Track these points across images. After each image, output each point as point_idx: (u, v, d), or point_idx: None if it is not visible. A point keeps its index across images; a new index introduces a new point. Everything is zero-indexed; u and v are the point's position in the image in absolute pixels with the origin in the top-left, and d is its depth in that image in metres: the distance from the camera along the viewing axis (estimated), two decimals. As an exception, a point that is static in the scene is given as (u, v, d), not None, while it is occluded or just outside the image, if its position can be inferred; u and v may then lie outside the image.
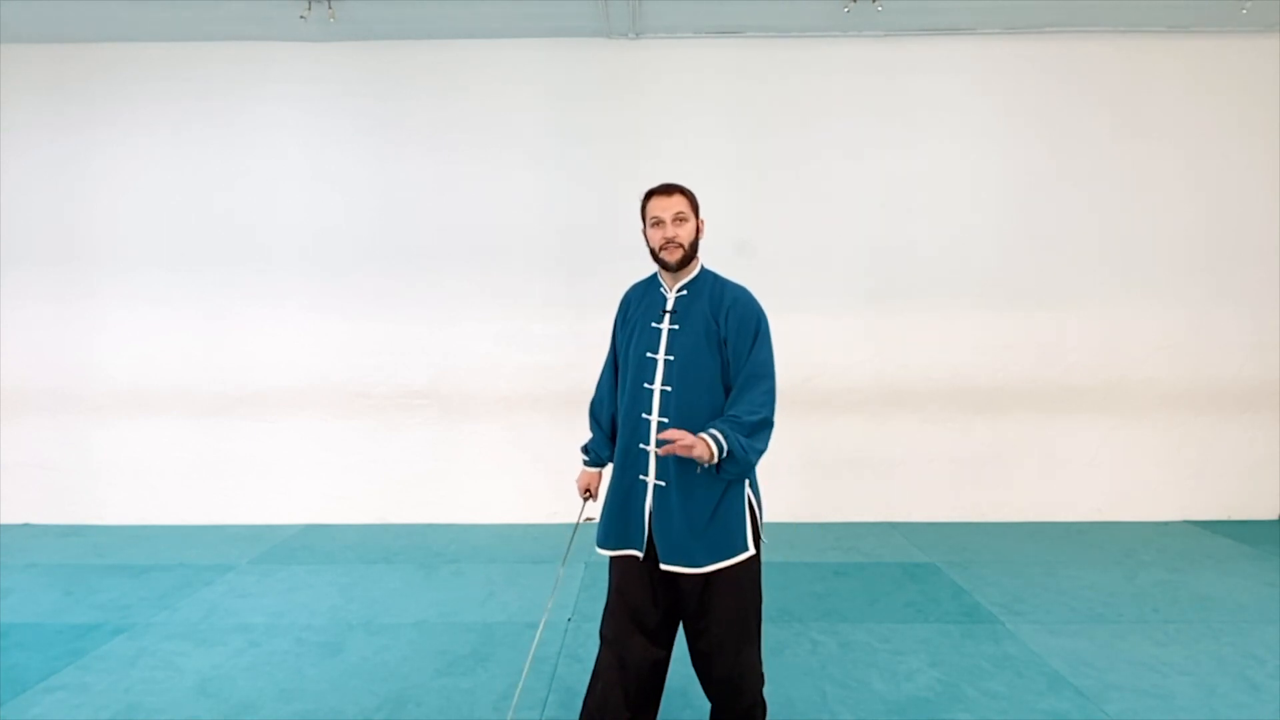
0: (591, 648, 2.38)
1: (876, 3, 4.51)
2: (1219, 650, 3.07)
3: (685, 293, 2.11)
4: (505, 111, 5.01)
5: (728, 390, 2.04)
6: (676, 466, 2.00)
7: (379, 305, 5.03)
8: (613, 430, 2.24)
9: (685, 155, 4.95)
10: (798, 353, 4.77)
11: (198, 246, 5.02)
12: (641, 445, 2.07)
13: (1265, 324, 4.99)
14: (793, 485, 4.91)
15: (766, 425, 1.99)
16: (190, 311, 5.03)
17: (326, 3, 4.46)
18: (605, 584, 2.17)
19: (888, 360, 5.01)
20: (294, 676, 2.88)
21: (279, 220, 5.03)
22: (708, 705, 2.17)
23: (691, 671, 2.14)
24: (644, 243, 2.13)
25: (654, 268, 2.17)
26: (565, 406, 4.88)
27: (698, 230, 2.10)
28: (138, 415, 5.02)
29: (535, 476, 4.99)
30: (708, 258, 2.19)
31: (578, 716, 2.16)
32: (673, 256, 2.06)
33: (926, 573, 4.00)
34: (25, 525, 5.00)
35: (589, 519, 2.30)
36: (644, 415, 2.06)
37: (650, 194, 2.09)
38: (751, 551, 2.02)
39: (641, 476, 2.07)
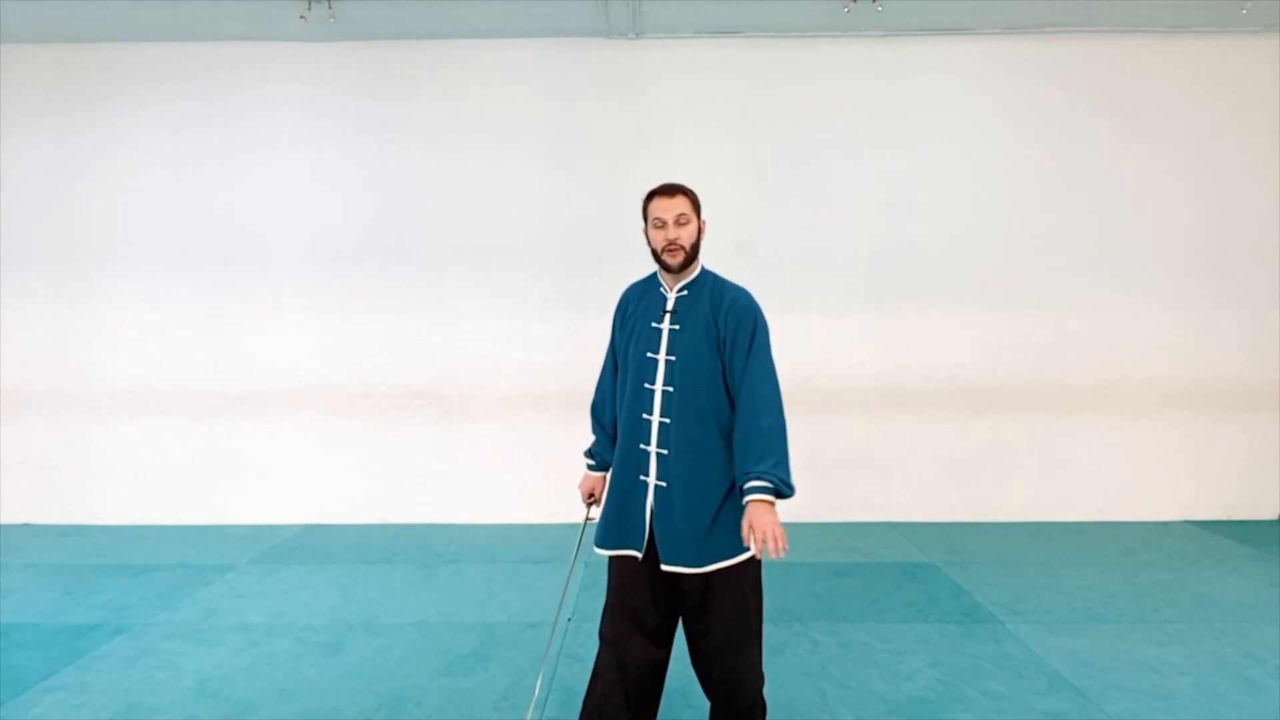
0: (591, 648, 2.38)
1: (876, 3, 4.51)
2: (1219, 650, 3.07)
3: (686, 293, 2.11)
4: (505, 111, 5.01)
5: (729, 391, 2.03)
6: (678, 467, 2.00)
7: (379, 305, 5.03)
8: (615, 431, 2.23)
9: (685, 155, 4.95)
10: (798, 353, 4.78)
11: (198, 246, 5.02)
12: (642, 446, 2.06)
13: (1265, 324, 4.99)
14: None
15: (780, 432, 1.99)
16: (190, 311, 5.03)
17: (326, 3, 4.46)
18: (605, 584, 2.17)
19: (888, 360, 5.01)
20: (294, 676, 2.88)
21: (279, 220, 5.03)
22: (708, 705, 2.17)
23: (691, 671, 2.14)
24: (645, 242, 2.13)
25: (654, 267, 2.17)
26: (565, 406, 4.89)
27: (699, 231, 2.10)
28: (138, 415, 5.02)
29: (535, 476, 4.99)
30: (708, 258, 2.19)
31: (578, 716, 2.16)
32: (675, 259, 2.05)
33: (926, 573, 4.00)
34: (25, 525, 5.00)
35: (593, 522, 2.29)
36: (645, 416, 2.06)
37: (652, 194, 2.09)
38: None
39: (642, 477, 2.06)
